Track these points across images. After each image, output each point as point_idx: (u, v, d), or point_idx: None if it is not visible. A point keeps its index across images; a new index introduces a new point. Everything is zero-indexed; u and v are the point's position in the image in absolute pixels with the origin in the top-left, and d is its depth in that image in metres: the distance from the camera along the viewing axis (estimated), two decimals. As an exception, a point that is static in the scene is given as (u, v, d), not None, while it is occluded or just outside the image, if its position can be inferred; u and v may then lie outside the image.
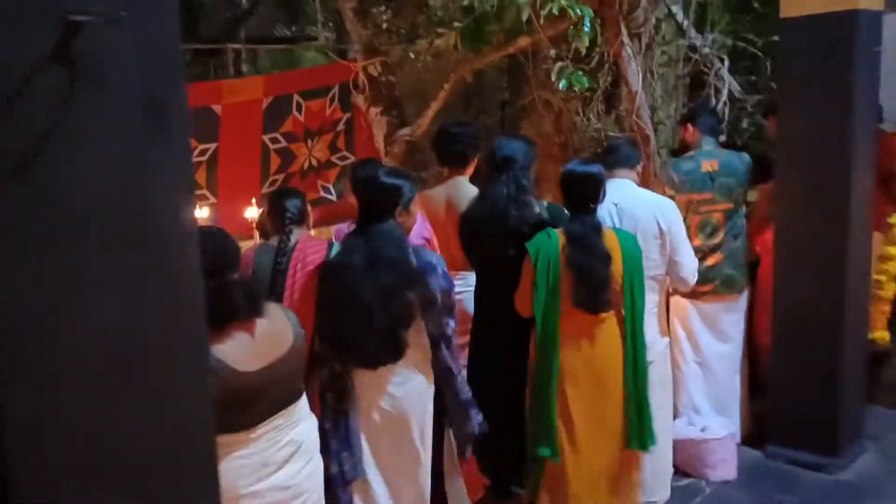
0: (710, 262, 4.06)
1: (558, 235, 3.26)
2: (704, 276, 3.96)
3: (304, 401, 2.56)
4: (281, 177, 6.47)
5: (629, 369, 3.27)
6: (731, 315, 4.17)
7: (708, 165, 4.04)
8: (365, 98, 6.38)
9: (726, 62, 5.45)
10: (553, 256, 3.23)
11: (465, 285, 3.79)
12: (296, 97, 6.46)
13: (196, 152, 6.03)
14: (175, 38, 1.58)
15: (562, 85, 4.56)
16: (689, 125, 4.24)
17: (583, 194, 3.27)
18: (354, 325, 2.80)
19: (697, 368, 4.16)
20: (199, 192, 6.08)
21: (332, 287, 2.90)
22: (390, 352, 2.81)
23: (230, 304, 2.31)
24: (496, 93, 7.76)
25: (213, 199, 6.12)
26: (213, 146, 6.10)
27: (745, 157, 4.12)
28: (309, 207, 3.40)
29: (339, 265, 2.90)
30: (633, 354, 3.28)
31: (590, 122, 5.89)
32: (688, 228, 3.81)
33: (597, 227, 3.25)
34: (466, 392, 3.04)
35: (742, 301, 4.20)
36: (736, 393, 4.24)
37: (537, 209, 3.44)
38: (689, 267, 3.62)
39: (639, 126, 5.01)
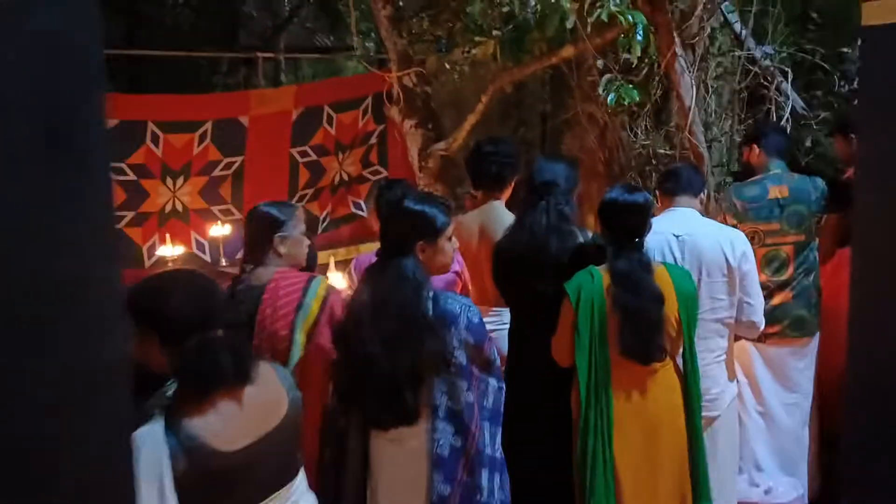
0: (777, 300, 3.50)
1: (602, 274, 2.76)
2: (771, 316, 3.40)
3: (301, 477, 2.08)
4: (310, 191, 6.06)
5: (689, 425, 2.79)
6: (801, 361, 3.60)
7: (776, 191, 3.49)
8: (399, 110, 5.92)
9: (790, 75, 4.89)
10: (597, 298, 2.73)
11: (499, 322, 3.29)
12: (327, 109, 6.05)
13: (222, 165, 5.65)
14: (92, 35, 1.10)
15: (610, 99, 4.05)
16: (754, 146, 3.68)
17: (627, 227, 2.77)
18: (356, 377, 2.34)
19: (760, 420, 3.60)
20: (223, 207, 5.70)
21: (338, 328, 2.47)
22: (396, 414, 2.31)
23: (213, 368, 1.84)
24: (537, 105, 7.26)
25: (238, 216, 5.71)
26: (239, 159, 5.70)
27: (819, 182, 3.56)
28: (295, 235, 2.72)
29: (350, 303, 2.47)
30: (690, 408, 2.79)
31: (637, 138, 5.37)
32: (752, 263, 3.27)
33: (646, 264, 2.75)
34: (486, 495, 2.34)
35: (813, 345, 3.62)
36: (804, 448, 3.66)
37: (581, 240, 2.94)
38: (759, 309, 3.09)
39: (691, 143, 4.52)
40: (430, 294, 2.31)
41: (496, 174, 3.33)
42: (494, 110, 6.82)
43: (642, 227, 2.78)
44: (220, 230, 5.32)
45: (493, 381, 2.38)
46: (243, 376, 1.88)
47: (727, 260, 3.04)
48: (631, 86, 4.09)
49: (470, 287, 3.33)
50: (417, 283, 2.30)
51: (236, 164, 5.72)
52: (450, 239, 2.40)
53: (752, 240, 3.42)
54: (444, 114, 6.45)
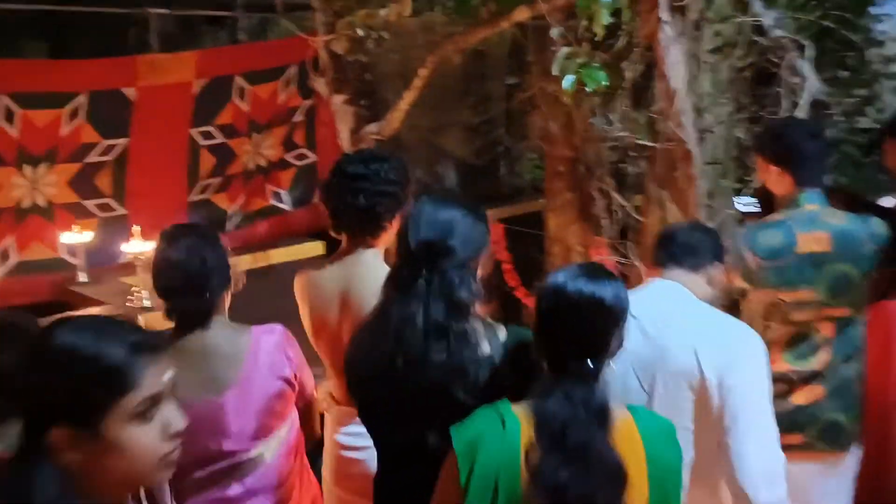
0: (801, 398, 2.13)
1: (520, 420, 1.42)
2: (791, 421, 2.08)
3: None
4: (216, 181, 4.67)
5: None
6: (832, 481, 2.26)
7: (810, 241, 2.09)
8: (326, 82, 4.49)
9: (808, 51, 3.50)
10: (506, 463, 1.39)
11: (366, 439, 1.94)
12: (238, 80, 4.64)
13: (99, 149, 4.25)
14: None
15: (567, 83, 2.68)
16: (773, 166, 2.26)
17: (577, 339, 1.42)
18: None
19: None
20: (101, 201, 4.32)
21: None
22: None
23: None
24: (501, 79, 5.84)
25: (120, 211, 4.34)
26: (122, 142, 4.30)
27: (876, 226, 2.16)
28: None
29: None
30: None
31: (611, 126, 4.01)
32: (769, 344, 1.90)
33: (600, 410, 1.40)
34: None
35: (850, 460, 2.29)
36: None
37: (487, 348, 1.58)
38: (756, 468, 1.69)
39: (677, 135, 3.22)
40: None
41: (367, 209, 1.93)
42: (449, 85, 5.45)
43: (603, 342, 1.42)
44: (82, 232, 3.95)
45: None
46: None
47: (701, 369, 1.68)
48: (598, 65, 2.71)
49: (316, 394, 1.97)
50: None
51: (118, 148, 4.32)
52: (148, 418, 1.02)
53: (768, 313, 2.07)
54: (389, 87, 5.07)
